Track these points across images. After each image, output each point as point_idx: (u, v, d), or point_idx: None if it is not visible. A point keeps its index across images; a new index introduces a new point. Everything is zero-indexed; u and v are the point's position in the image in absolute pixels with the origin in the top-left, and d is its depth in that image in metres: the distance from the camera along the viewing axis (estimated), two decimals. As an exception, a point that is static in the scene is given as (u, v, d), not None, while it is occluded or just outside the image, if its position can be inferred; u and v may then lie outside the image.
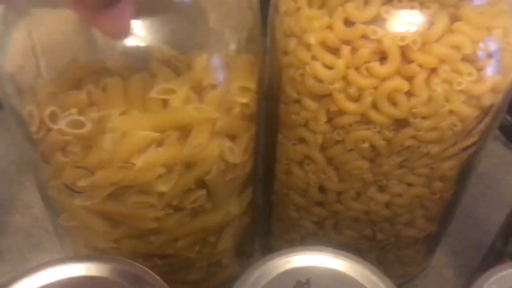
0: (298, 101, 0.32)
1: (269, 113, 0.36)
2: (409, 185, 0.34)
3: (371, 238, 0.37)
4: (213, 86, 0.29)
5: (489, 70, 0.28)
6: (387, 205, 0.35)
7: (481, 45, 0.28)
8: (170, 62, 0.29)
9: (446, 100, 0.29)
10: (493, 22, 0.28)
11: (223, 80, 0.29)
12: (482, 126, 0.31)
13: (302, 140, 0.33)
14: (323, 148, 0.33)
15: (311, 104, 0.31)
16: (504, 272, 0.25)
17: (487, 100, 0.29)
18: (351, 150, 0.32)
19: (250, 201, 0.36)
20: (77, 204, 0.29)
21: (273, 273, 0.24)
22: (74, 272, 0.24)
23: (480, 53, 0.28)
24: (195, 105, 0.28)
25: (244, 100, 0.30)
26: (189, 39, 0.29)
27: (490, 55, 0.28)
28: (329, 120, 0.31)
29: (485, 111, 0.30)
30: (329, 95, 0.30)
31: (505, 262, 0.37)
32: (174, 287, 0.24)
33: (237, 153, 0.31)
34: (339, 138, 0.31)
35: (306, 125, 0.32)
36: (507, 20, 0.28)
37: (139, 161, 0.27)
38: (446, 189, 0.35)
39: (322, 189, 0.35)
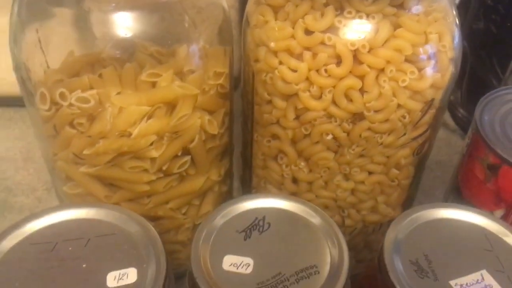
0: (269, 102, 0.37)
1: (245, 115, 0.41)
2: (370, 173, 0.38)
3: (341, 224, 0.42)
4: (192, 71, 0.34)
5: (429, 70, 0.34)
6: (352, 191, 0.39)
7: (420, 48, 0.33)
8: (153, 55, 0.35)
9: (394, 95, 0.34)
10: (429, 28, 0.33)
11: (201, 66, 0.35)
12: (427, 118, 0.36)
13: (275, 137, 0.38)
14: (293, 142, 0.37)
15: (280, 103, 0.36)
16: (417, 214, 0.32)
17: (429, 95, 0.34)
18: (317, 142, 0.36)
19: (227, 171, 0.42)
20: (82, 171, 0.35)
21: (235, 212, 0.31)
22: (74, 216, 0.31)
23: (420, 55, 0.33)
24: (179, 83, 0.34)
25: (219, 81, 0.36)
26: (170, 33, 0.35)
27: (429, 57, 0.33)
28: (297, 117, 0.36)
29: (428, 104, 0.35)
30: (295, 94, 0.35)
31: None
32: (164, 247, 0.28)
33: (215, 125, 0.37)
34: (306, 132, 0.36)
35: (278, 122, 0.37)
36: (441, 26, 0.34)
37: (135, 131, 0.33)
38: (403, 177, 0.40)
39: (295, 180, 0.40)
